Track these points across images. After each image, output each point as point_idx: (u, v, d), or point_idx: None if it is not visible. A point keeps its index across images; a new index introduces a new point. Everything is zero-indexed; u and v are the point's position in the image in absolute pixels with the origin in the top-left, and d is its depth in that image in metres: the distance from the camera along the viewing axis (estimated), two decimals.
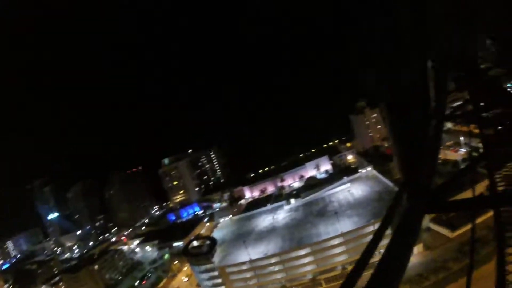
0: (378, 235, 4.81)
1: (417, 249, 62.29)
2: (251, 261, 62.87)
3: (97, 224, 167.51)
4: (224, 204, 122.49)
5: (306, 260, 63.41)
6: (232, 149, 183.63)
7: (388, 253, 4.36)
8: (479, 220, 45.41)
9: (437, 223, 62.73)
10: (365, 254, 4.12)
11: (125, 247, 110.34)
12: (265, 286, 65.34)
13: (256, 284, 65.11)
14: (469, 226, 53.68)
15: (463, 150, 76.01)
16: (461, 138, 77.07)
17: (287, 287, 64.19)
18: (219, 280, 65.80)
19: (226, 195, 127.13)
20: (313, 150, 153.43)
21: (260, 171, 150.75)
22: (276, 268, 64.14)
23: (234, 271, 64.61)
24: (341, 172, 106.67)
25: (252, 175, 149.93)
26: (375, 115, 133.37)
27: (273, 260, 63.41)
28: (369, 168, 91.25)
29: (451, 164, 73.13)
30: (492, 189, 7.96)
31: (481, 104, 11.29)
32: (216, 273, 65.76)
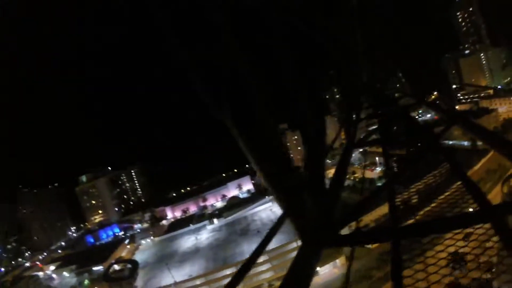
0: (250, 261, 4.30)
1: (340, 261, 68.03)
2: (176, 283, 61.45)
3: (9, 247, 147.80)
4: (146, 225, 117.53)
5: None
6: (153, 168, 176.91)
7: None
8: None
9: None
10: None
11: (41, 273, 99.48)
12: None
13: None
14: None
15: (378, 169, 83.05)
16: (377, 158, 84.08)
17: None
18: None
19: (147, 216, 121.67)
20: (235, 170, 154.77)
21: (182, 190, 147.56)
22: None
23: None
24: (263, 191, 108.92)
25: (173, 194, 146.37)
26: (296, 137, 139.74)
27: (198, 282, 62.70)
28: None
29: (368, 182, 79.24)
30: (393, 221, 8.94)
31: (390, 130, 12.42)
32: None
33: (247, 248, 67.48)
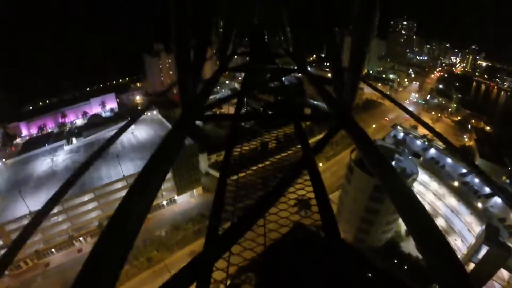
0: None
1: (197, 191, 72.49)
2: (31, 213, 55.87)
3: None
4: None
5: (90, 206, 63.17)
6: (5, 75, 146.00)
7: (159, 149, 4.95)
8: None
9: (214, 168, 76.23)
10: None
11: None
12: (52, 239, 61.21)
13: (42, 239, 60.14)
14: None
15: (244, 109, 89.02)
16: (244, 99, 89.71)
17: (74, 237, 62.49)
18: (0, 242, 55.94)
19: None
20: (100, 85, 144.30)
21: (39, 103, 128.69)
22: (60, 218, 61.21)
23: (14, 228, 56.12)
24: (127, 112, 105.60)
25: (30, 107, 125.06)
26: (170, 60, 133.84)
27: (55, 210, 55.91)
28: (155, 112, 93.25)
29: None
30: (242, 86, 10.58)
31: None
32: None
33: (106, 172, 66.15)
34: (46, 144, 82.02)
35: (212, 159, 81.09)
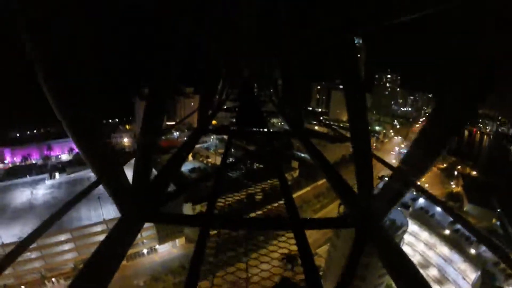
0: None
1: (179, 242, 69.23)
2: (3, 245, 51.99)
3: None
4: None
5: (66, 246, 58.90)
6: None
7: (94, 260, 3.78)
8: None
9: None
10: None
11: None
12: (23, 277, 56.38)
13: (12, 275, 55.16)
14: None
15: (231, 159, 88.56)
16: (233, 150, 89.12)
17: (47, 277, 57.51)
18: None
19: None
20: None
21: (27, 132, 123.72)
22: (33, 255, 56.53)
23: None
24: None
25: (17, 135, 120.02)
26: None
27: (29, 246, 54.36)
28: None
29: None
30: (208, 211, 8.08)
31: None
32: None
33: (86, 213, 62.31)
34: (28, 176, 78.33)
35: (197, 209, 75.19)
